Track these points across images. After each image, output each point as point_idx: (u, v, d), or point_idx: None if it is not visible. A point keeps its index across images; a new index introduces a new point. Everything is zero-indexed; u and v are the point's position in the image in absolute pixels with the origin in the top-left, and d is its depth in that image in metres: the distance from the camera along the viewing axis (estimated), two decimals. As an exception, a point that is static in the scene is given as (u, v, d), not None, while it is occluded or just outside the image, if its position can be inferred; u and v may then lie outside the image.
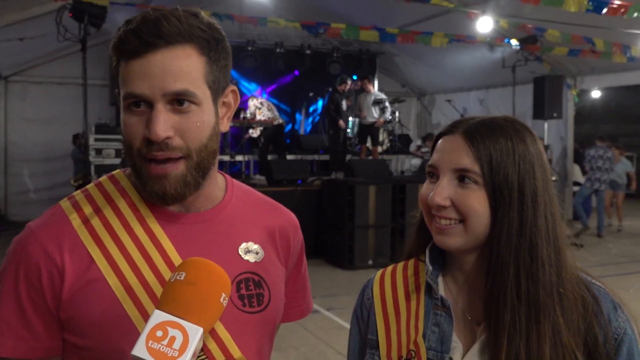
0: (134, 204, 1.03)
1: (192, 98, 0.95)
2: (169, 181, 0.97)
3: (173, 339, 0.80)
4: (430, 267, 1.06)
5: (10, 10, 7.32)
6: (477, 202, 0.96)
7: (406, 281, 1.11)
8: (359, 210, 7.69)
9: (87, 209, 1.01)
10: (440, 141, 1.04)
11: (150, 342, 0.79)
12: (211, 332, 0.98)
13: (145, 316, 0.95)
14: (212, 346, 0.99)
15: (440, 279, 1.07)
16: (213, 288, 0.85)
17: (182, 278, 0.84)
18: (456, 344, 1.01)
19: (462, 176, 0.98)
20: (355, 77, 12.85)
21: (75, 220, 1.00)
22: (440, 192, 0.97)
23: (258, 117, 9.95)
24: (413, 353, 1.02)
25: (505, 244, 0.96)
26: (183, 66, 0.94)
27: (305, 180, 8.75)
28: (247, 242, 1.09)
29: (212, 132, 1.00)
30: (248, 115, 10.01)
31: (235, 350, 1.00)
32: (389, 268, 1.16)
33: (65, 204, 1.03)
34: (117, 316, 0.94)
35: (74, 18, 7.03)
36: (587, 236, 10.11)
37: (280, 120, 10.35)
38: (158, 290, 0.97)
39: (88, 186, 1.07)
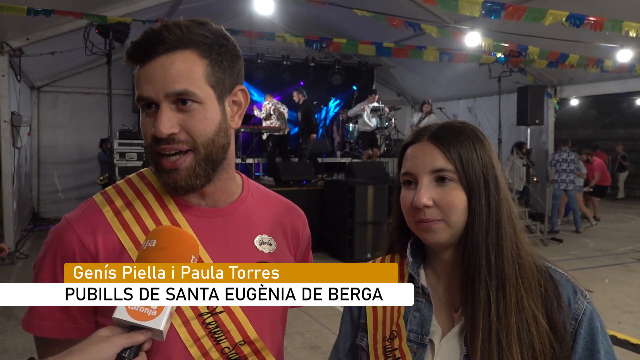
0: (161, 198, 1.04)
1: (193, 97, 0.95)
2: (180, 174, 0.98)
3: None
4: (411, 259, 1.07)
5: (42, 27, 7.35)
6: (457, 198, 0.99)
7: None
8: (358, 208, 7.69)
9: (119, 202, 1.02)
10: (409, 150, 1.05)
11: (130, 305, 0.80)
12: (230, 315, 0.99)
13: None
14: (231, 327, 0.99)
15: (421, 270, 1.08)
16: (183, 251, 0.85)
17: (153, 245, 0.84)
18: (435, 329, 1.03)
19: (439, 177, 0.99)
20: (355, 88, 12.87)
21: (108, 213, 1.00)
22: (424, 193, 0.98)
23: (267, 123, 9.98)
24: (395, 333, 1.04)
25: (478, 229, 0.99)
26: (182, 69, 0.95)
27: (310, 181, 8.75)
28: (261, 234, 1.10)
29: (219, 128, 1.00)
30: (262, 114, 10.03)
31: (251, 332, 1.01)
32: (377, 260, 1.18)
33: (98, 197, 1.04)
34: None
35: (100, 34, 7.06)
36: (566, 232, 10.10)
37: (287, 130, 10.36)
38: None
39: (119, 182, 1.08)
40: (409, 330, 1.03)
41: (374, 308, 1.09)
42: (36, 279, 0.99)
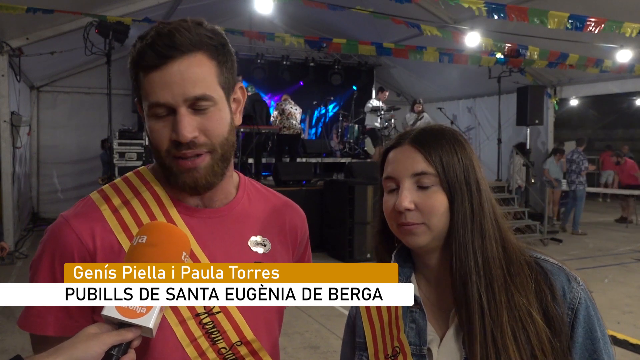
0: (159, 197, 1.04)
1: (210, 100, 0.96)
2: (200, 173, 0.98)
3: None
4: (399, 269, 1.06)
5: (42, 27, 7.35)
6: (438, 201, 0.98)
7: None
8: (358, 208, 7.69)
9: (116, 200, 1.02)
10: (390, 154, 1.05)
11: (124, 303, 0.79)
12: (227, 316, 0.99)
13: None
14: (228, 328, 0.99)
15: (413, 278, 1.08)
16: (173, 248, 0.85)
17: (143, 241, 0.83)
18: (433, 336, 1.02)
19: (420, 180, 0.99)
20: (355, 88, 12.87)
21: (106, 211, 1.00)
22: (405, 197, 0.98)
23: (276, 123, 9.97)
24: (398, 349, 1.03)
25: (463, 232, 0.99)
26: (198, 73, 0.95)
27: (310, 181, 8.75)
28: (256, 235, 1.10)
29: (230, 127, 1.02)
30: (274, 114, 10.05)
31: (248, 332, 1.01)
32: None
33: (95, 196, 1.04)
34: None
35: (100, 34, 7.06)
36: (566, 233, 10.10)
37: (298, 130, 10.30)
38: None
39: (115, 180, 1.08)
40: (408, 343, 1.02)
41: (372, 327, 1.08)
42: (34, 278, 0.98)
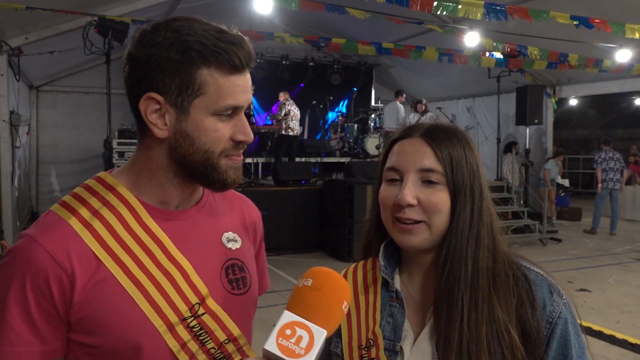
0: (128, 202, 1.00)
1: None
2: (240, 170, 1.03)
3: (300, 338, 0.79)
4: (383, 263, 1.05)
5: (41, 26, 7.34)
6: (441, 200, 0.96)
7: (365, 276, 1.10)
8: (357, 207, 7.69)
9: (84, 212, 0.96)
10: (397, 145, 1.02)
11: (280, 339, 0.78)
12: (212, 316, 0.99)
13: (156, 307, 0.94)
14: (215, 327, 0.98)
15: (396, 274, 1.06)
16: (336, 295, 0.85)
17: (309, 284, 0.84)
18: (407, 333, 1.00)
19: (426, 176, 0.96)
20: (355, 89, 12.86)
21: (76, 224, 0.94)
22: (409, 191, 0.95)
23: (283, 123, 9.97)
24: (372, 342, 1.01)
25: (460, 237, 0.96)
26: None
27: (309, 181, 8.76)
28: (226, 232, 1.11)
29: None
30: (281, 114, 10.07)
31: (234, 329, 1.01)
32: (352, 266, 1.15)
33: (58, 209, 0.98)
34: (130, 311, 0.92)
35: (99, 33, 7.05)
36: (565, 232, 10.11)
37: (298, 131, 10.29)
38: (164, 282, 0.96)
39: (76, 190, 1.02)
40: (383, 337, 1.01)
41: (348, 314, 1.07)
42: (2, 309, 0.89)
